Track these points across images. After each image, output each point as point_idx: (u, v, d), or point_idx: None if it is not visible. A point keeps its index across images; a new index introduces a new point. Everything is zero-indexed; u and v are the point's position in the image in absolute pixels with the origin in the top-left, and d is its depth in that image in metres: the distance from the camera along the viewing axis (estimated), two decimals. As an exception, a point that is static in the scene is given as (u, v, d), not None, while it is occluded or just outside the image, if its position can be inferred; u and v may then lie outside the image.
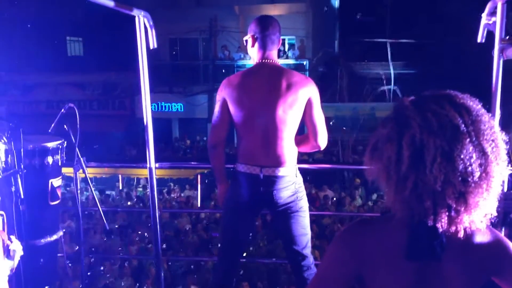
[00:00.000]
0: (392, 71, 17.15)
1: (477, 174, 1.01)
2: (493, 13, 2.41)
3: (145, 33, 2.85)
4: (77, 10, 13.39)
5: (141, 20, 2.82)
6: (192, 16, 16.34)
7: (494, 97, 2.44)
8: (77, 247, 7.40)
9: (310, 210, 2.80)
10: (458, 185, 1.01)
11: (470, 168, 1.00)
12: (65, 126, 2.74)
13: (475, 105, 1.07)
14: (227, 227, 2.85)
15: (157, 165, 3.23)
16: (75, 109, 2.79)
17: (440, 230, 1.04)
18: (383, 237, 1.12)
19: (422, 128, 1.02)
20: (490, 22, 2.44)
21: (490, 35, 2.48)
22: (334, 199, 10.98)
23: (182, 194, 12.85)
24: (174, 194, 12.84)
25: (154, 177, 3.22)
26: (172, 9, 15.84)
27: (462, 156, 1.00)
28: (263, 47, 2.65)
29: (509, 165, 2.54)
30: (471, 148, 1.00)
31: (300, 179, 2.72)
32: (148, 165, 3.18)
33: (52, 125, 2.73)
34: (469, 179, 1.01)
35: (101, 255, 7.39)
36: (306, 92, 2.55)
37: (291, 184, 2.64)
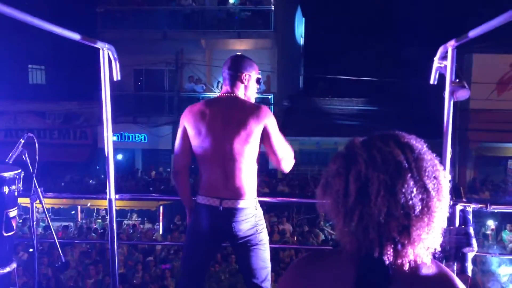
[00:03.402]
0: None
1: (418, 208, 1.06)
2: (444, 57, 2.55)
3: (109, 65, 2.87)
4: (40, 39, 13.23)
5: (105, 52, 2.83)
6: (158, 48, 16.39)
7: (445, 136, 2.55)
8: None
9: (270, 243, 2.82)
10: (401, 218, 1.06)
11: (411, 202, 1.05)
12: (23, 156, 2.69)
13: (419, 144, 1.14)
14: (188, 258, 2.86)
15: (117, 196, 3.19)
16: (34, 139, 2.76)
17: (387, 262, 1.08)
18: (332, 271, 1.14)
19: (367, 164, 1.08)
20: (442, 65, 2.57)
21: (442, 77, 2.61)
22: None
23: (142, 226, 12.63)
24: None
25: (114, 208, 3.17)
26: (138, 42, 15.86)
27: (403, 190, 1.05)
28: (224, 83, 2.78)
29: (458, 200, 2.65)
30: (412, 183, 1.06)
31: (260, 211, 2.74)
32: (108, 196, 3.13)
33: (10, 154, 2.68)
34: (411, 213, 1.06)
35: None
36: (260, 123, 2.60)
37: (250, 216, 2.66)
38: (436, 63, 2.58)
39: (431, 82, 2.66)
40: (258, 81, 2.82)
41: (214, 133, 2.61)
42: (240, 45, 17.20)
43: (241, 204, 2.63)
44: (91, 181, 15.47)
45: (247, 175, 2.64)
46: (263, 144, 2.66)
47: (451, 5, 20.08)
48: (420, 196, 1.07)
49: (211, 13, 16.81)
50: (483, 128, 14.15)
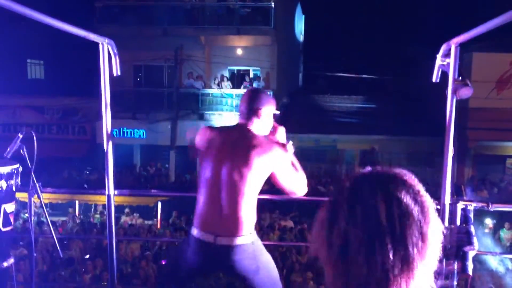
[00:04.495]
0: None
1: (397, 267, 1.03)
2: (447, 54, 2.52)
3: (109, 60, 2.84)
4: (39, 33, 13.17)
5: (105, 47, 2.81)
6: (158, 44, 16.35)
7: (447, 134, 2.53)
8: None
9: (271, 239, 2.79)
10: (380, 277, 1.03)
11: (390, 262, 1.03)
12: (21, 151, 2.67)
13: (411, 194, 1.08)
14: (167, 280, 2.81)
15: (116, 192, 3.17)
16: (33, 134, 2.73)
17: None
18: None
19: (348, 220, 1.05)
20: (445, 63, 2.55)
21: (445, 75, 2.59)
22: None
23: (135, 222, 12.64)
24: (132, 221, 12.62)
25: (113, 204, 3.16)
26: (138, 38, 15.80)
27: (382, 250, 1.02)
28: (240, 117, 2.70)
29: (459, 199, 2.63)
30: (392, 243, 1.03)
31: (257, 241, 2.62)
32: (106, 192, 3.12)
33: (8, 149, 2.65)
34: (389, 273, 1.03)
35: (53, 284, 7.11)
36: (269, 163, 2.51)
37: (249, 252, 2.54)
38: (438, 60, 2.56)
39: (434, 80, 2.63)
40: (274, 116, 2.70)
41: (219, 163, 2.51)
42: (239, 42, 17.16)
43: (238, 241, 2.50)
44: (86, 173, 15.41)
45: (246, 210, 2.50)
46: (275, 179, 2.57)
47: (452, 3, 20.06)
48: (400, 254, 1.03)
49: (211, 10, 16.76)
50: (482, 126, 14.14)
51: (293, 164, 2.64)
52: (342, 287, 1.07)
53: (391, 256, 1.02)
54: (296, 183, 2.61)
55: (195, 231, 2.56)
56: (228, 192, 2.49)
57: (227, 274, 2.66)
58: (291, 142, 2.75)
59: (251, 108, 2.62)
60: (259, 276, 2.58)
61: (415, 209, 1.06)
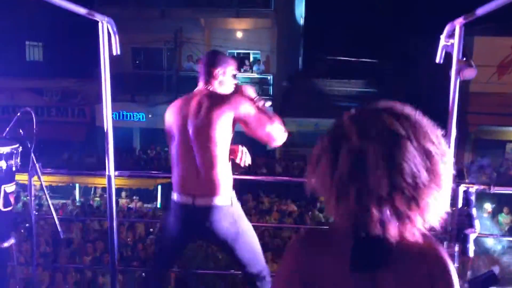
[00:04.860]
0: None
1: (424, 175, 1.00)
2: (451, 35, 2.50)
3: (108, 40, 2.81)
4: (38, 14, 13.06)
5: (105, 26, 2.78)
6: (156, 27, 16.20)
7: (450, 116, 2.51)
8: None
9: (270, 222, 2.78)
10: (407, 189, 0.99)
11: (416, 170, 0.99)
12: (20, 131, 2.65)
13: (413, 112, 1.08)
14: (158, 249, 2.95)
15: (116, 173, 3.16)
16: (32, 113, 2.71)
17: (385, 239, 1.04)
18: (332, 246, 1.12)
19: (360, 136, 1.01)
20: (449, 43, 2.52)
21: (448, 56, 2.56)
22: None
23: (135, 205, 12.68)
24: (131, 204, 12.66)
25: (113, 185, 3.14)
26: (137, 20, 15.65)
27: (405, 159, 0.98)
28: (199, 79, 2.72)
29: (461, 181, 2.62)
30: (413, 150, 1.00)
31: (237, 204, 2.62)
32: (107, 173, 3.10)
33: (7, 129, 2.63)
34: (418, 181, 0.99)
35: (54, 265, 7.14)
36: (229, 111, 2.49)
37: (228, 214, 2.54)
38: (442, 41, 2.53)
39: (437, 61, 2.61)
40: (234, 77, 2.72)
41: (184, 128, 2.56)
42: (239, 25, 17.02)
43: (217, 201, 2.51)
44: (84, 156, 15.41)
45: (221, 169, 2.51)
46: (246, 130, 2.57)
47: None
48: (424, 162, 1.00)
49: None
50: (483, 111, 14.11)
51: (264, 112, 2.58)
52: (359, 210, 1.01)
53: (417, 163, 0.98)
54: (269, 129, 2.54)
55: (175, 196, 2.62)
56: (199, 154, 2.51)
57: (207, 238, 2.68)
58: (269, 103, 2.75)
59: (208, 70, 2.66)
60: (240, 242, 2.59)
61: (423, 120, 1.05)
